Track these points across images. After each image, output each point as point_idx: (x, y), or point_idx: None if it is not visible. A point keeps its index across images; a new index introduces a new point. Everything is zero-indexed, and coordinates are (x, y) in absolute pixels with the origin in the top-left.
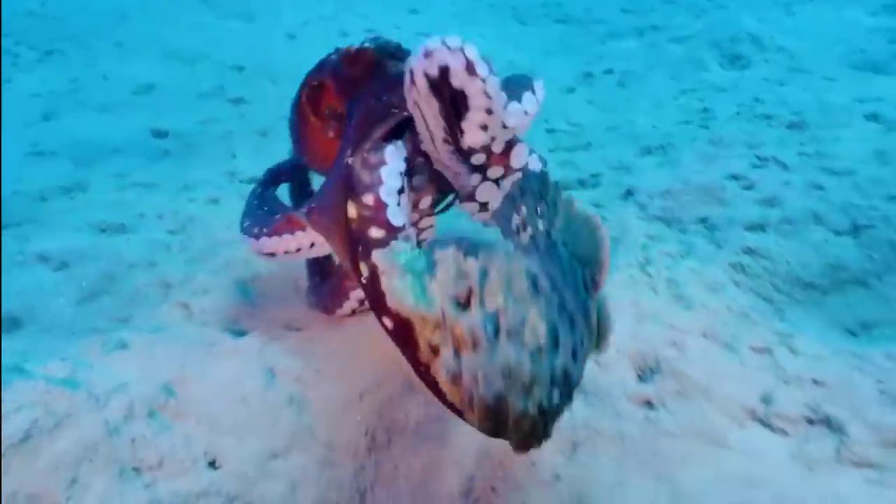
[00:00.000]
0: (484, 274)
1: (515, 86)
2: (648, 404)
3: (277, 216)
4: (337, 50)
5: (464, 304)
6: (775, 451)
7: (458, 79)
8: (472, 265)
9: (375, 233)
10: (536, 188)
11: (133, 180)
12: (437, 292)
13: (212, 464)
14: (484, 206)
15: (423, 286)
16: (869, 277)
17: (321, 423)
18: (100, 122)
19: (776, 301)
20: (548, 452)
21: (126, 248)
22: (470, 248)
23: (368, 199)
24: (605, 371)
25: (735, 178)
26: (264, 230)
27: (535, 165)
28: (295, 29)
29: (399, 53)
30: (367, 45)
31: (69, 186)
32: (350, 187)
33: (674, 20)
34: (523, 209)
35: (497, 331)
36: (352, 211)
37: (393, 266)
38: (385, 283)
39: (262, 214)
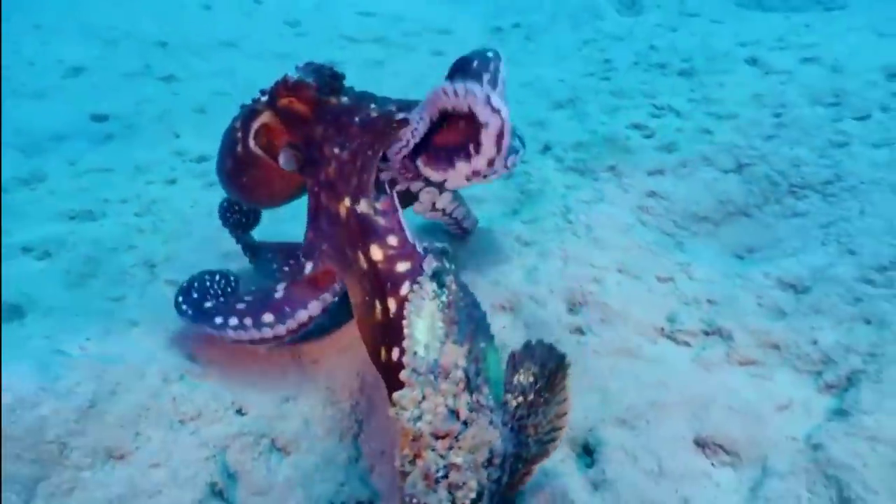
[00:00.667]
0: (465, 426)
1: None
2: (579, 331)
3: (280, 291)
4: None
5: (441, 439)
6: (680, 359)
7: (488, 139)
8: (463, 408)
9: (402, 266)
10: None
11: (86, 166)
12: (428, 413)
13: (239, 411)
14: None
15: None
16: (751, 209)
17: (321, 372)
18: (38, 109)
19: (676, 235)
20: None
21: (101, 234)
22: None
23: (392, 240)
24: (543, 307)
25: (636, 127)
26: (284, 310)
27: None
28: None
29: (337, 85)
30: (306, 79)
31: (26, 178)
32: (372, 232)
33: None
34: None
35: (442, 478)
36: (377, 253)
37: (421, 301)
38: (406, 343)
39: (258, 301)
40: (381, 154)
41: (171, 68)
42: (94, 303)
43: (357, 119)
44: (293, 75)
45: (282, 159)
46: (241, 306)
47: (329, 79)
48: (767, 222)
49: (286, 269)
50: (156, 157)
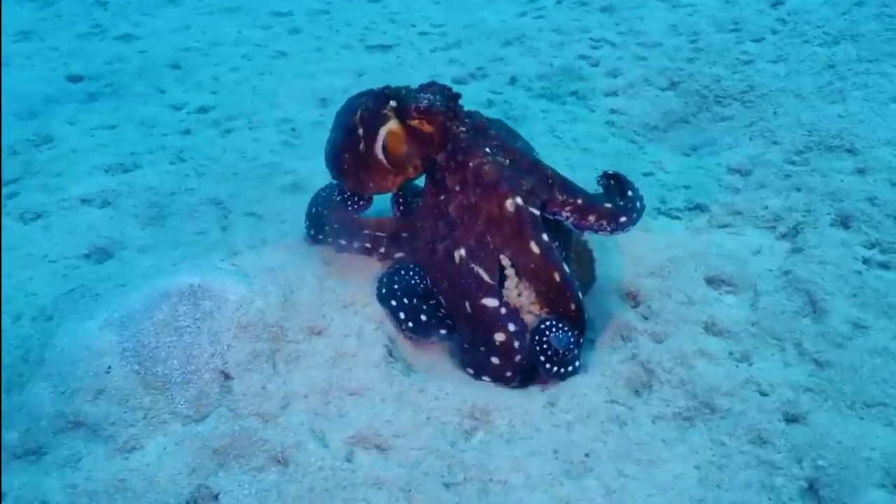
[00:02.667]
0: None
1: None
2: None
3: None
4: (399, 95)
5: None
6: (676, 228)
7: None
8: None
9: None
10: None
11: (89, 125)
12: None
13: (345, 306)
14: None
15: None
16: (689, 117)
17: None
18: (10, 75)
19: (638, 142)
20: None
21: (151, 181)
22: None
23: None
24: None
25: (583, 58)
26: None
27: None
28: None
29: (457, 107)
30: (435, 104)
31: (33, 139)
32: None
33: None
34: None
35: None
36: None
37: None
38: None
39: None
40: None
41: (123, 27)
42: (180, 237)
43: (473, 167)
44: (423, 99)
45: (405, 161)
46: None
47: (451, 101)
48: (703, 126)
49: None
50: (155, 112)
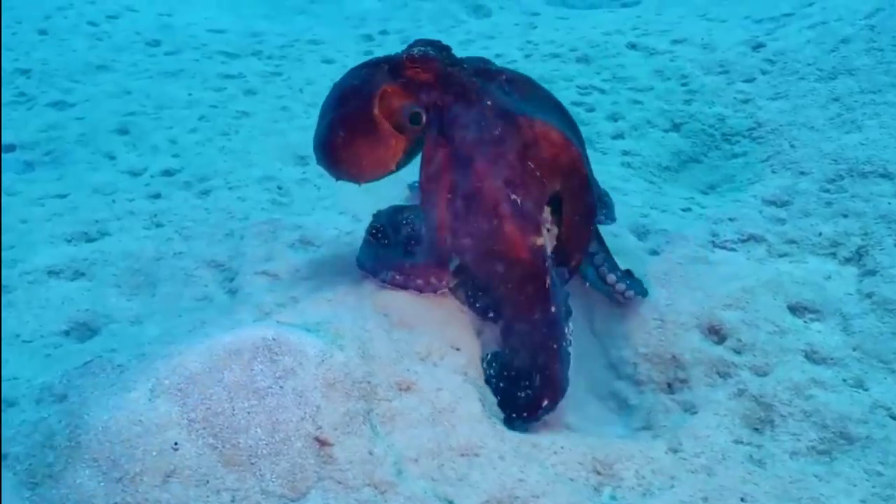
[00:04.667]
0: None
1: None
2: (654, 252)
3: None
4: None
5: None
6: (737, 260)
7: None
8: None
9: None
10: None
11: (35, 194)
12: None
13: (423, 358)
14: None
15: None
16: (699, 156)
17: None
18: None
19: (656, 182)
20: None
21: (128, 247)
22: None
23: None
24: (619, 238)
25: (576, 104)
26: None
27: None
28: (40, 24)
29: (451, 55)
30: (428, 51)
31: None
32: None
33: None
34: None
35: None
36: None
37: None
38: None
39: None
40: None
41: (52, 95)
42: (179, 304)
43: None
44: (415, 50)
45: (404, 113)
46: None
47: (443, 51)
48: (716, 164)
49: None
50: (109, 179)
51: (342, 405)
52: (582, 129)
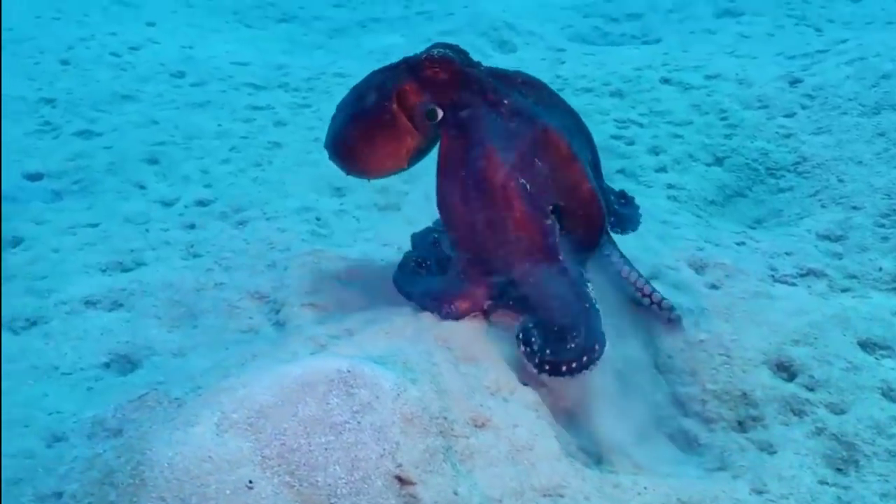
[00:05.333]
0: None
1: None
2: (714, 287)
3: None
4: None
5: None
6: (799, 294)
7: None
8: None
9: None
10: None
11: (65, 224)
12: None
13: (493, 392)
14: None
15: None
16: (744, 191)
17: None
18: None
19: (702, 216)
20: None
21: (167, 277)
22: None
23: None
24: (676, 272)
25: (615, 137)
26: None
27: None
28: (62, 54)
29: (469, 58)
30: (447, 53)
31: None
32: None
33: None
34: None
35: None
36: None
37: None
38: None
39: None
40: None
41: (78, 124)
42: (224, 337)
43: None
44: (434, 51)
45: (421, 109)
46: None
47: (461, 53)
48: (762, 199)
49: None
50: (141, 209)
51: (421, 442)
52: (623, 162)
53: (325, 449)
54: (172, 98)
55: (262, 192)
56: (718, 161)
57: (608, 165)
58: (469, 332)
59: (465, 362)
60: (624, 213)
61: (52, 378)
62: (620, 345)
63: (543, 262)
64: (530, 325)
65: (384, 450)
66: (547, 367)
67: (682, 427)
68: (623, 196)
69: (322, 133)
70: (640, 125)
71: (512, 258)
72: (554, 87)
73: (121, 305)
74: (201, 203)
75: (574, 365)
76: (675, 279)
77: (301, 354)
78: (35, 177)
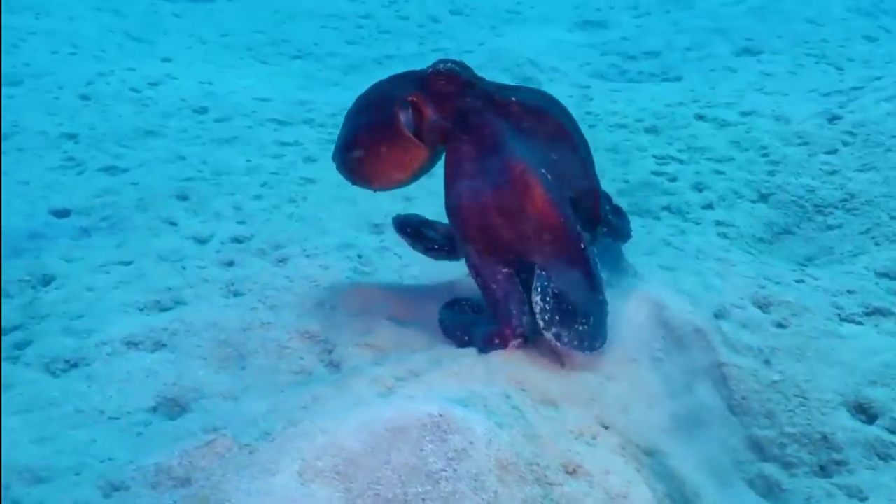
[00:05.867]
0: None
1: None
2: (781, 325)
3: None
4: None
5: None
6: (869, 333)
7: None
8: None
9: None
10: None
11: (96, 262)
12: None
13: (577, 437)
14: None
15: None
16: (791, 228)
17: None
18: None
19: (753, 253)
20: None
21: (207, 317)
22: None
23: None
24: (742, 309)
25: (657, 174)
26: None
27: None
28: (82, 89)
29: (473, 72)
30: (452, 68)
31: (30, 280)
32: None
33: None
34: None
35: None
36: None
37: None
38: None
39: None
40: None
41: (103, 159)
42: (276, 378)
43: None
44: (440, 66)
45: (431, 125)
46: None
47: (465, 69)
48: (810, 236)
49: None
50: (174, 246)
51: (519, 491)
52: (668, 198)
53: (423, 499)
54: (197, 133)
55: (300, 229)
56: (763, 198)
57: (652, 202)
58: (543, 374)
59: (543, 405)
60: (617, 224)
61: (99, 423)
62: (691, 386)
63: (564, 249)
64: (549, 287)
65: (483, 500)
66: (553, 330)
67: (762, 472)
68: (617, 209)
69: None
70: (681, 161)
71: (532, 247)
72: (585, 123)
73: (163, 346)
74: (237, 240)
75: (575, 343)
76: (741, 318)
77: (367, 397)
78: (62, 213)
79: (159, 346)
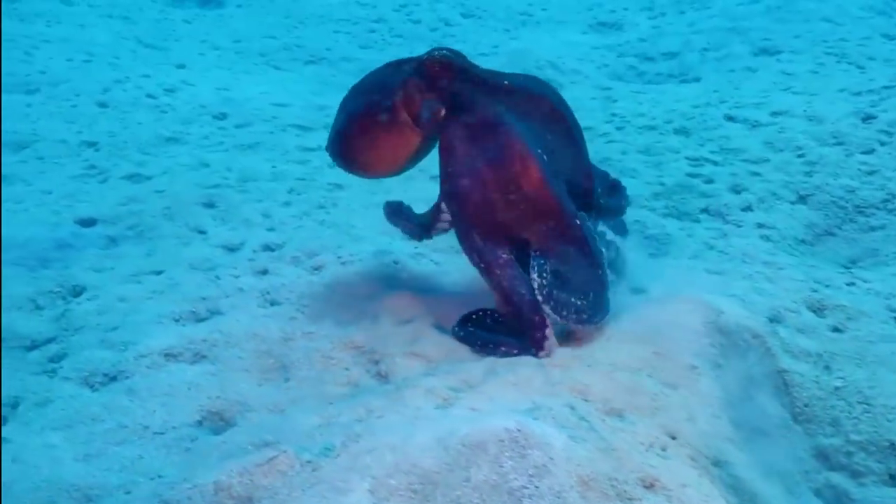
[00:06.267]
0: None
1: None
2: (837, 330)
3: None
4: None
5: None
6: None
7: None
8: None
9: None
10: None
11: (126, 271)
12: None
13: (648, 447)
14: None
15: None
16: (833, 229)
17: None
18: (7, 221)
19: (796, 255)
20: None
21: (247, 328)
22: None
23: None
24: (797, 315)
25: (692, 176)
26: None
27: None
28: (99, 97)
29: (468, 62)
30: (447, 55)
31: (60, 292)
32: None
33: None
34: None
35: None
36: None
37: None
38: None
39: None
40: None
41: (125, 167)
42: (324, 390)
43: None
44: (435, 53)
45: (426, 107)
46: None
47: (459, 56)
48: (853, 238)
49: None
50: (205, 254)
51: None
52: (707, 201)
53: None
54: (220, 140)
55: (333, 236)
56: (802, 199)
57: (690, 204)
58: (603, 383)
59: (608, 415)
60: (610, 204)
61: (144, 438)
62: (751, 393)
63: (559, 227)
64: (546, 265)
65: None
66: (552, 304)
67: (830, 482)
68: (615, 185)
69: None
70: (715, 163)
71: (528, 225)
72: (612, 125)
73: (204, 357)
74: (269, 248)
75: (574, 317)
76: (797, 323)
77: (425, 410)
78: (87, 222)
79: (199, 357)
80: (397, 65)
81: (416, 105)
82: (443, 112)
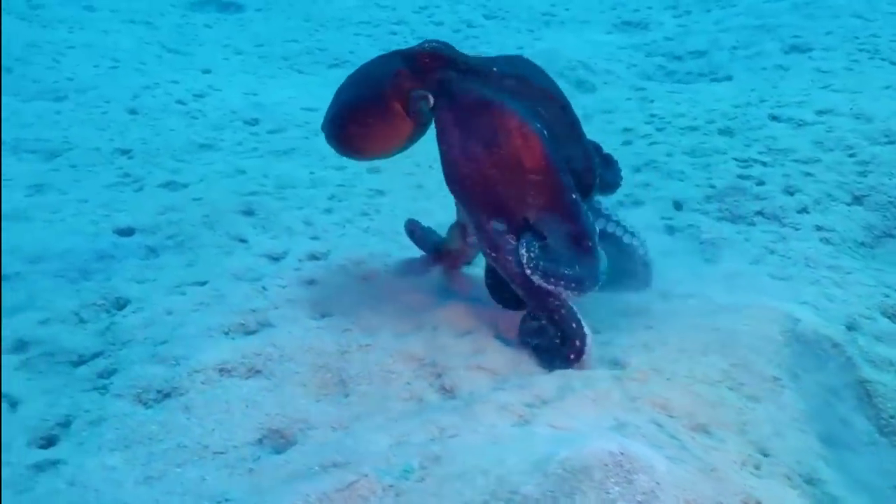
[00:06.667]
0: None
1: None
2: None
3: None
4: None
5: None
6: None
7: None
8: None
9: None
10: None
11: (169, 282)
12: None
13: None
14: None
15: None
16: (892, 230)
17: None
18: (44, 232)
19: (860, 258)
20: None
21: (301, 341)
22: None
23: None
24: (873, 322)
25: (743, 178)
26: None
27: None
28: (129, 103)
29: (459, 53)
30: (437, 46)
31: (104, 304)
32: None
33: None
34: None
35: None
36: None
37: None
38: None
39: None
40: None
41: (160, 175)
42: (387, 406)
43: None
44: (426, 45)
45: (415, 97)
46: None
47: (449, 47)
48: None
49: None
50: (248, 264)
51: None
52: (761, 203)
53: None
54: (254, 146)
55: (378, 244)
56: (858, 200)
57: (744, 207)
58: (684, 397)
59: (696, 432)
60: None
61: (205, 458)
62: (833, 405)
63: (554, 201)
64: (534, 241)
65: None
66: (539, 273)
67: None
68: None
69: (423, 179)
70: (764, 164)
71: (527, 201)
72: (652, 126)
73: (258, 372)
74: (314, 257)
75: (562, 283)
76: (874, 330)
77: (501, 427)
78: (126, 232)
79: (254, 372)
80: (390, 56)
81: (404, 94)
82: (432, 101)
